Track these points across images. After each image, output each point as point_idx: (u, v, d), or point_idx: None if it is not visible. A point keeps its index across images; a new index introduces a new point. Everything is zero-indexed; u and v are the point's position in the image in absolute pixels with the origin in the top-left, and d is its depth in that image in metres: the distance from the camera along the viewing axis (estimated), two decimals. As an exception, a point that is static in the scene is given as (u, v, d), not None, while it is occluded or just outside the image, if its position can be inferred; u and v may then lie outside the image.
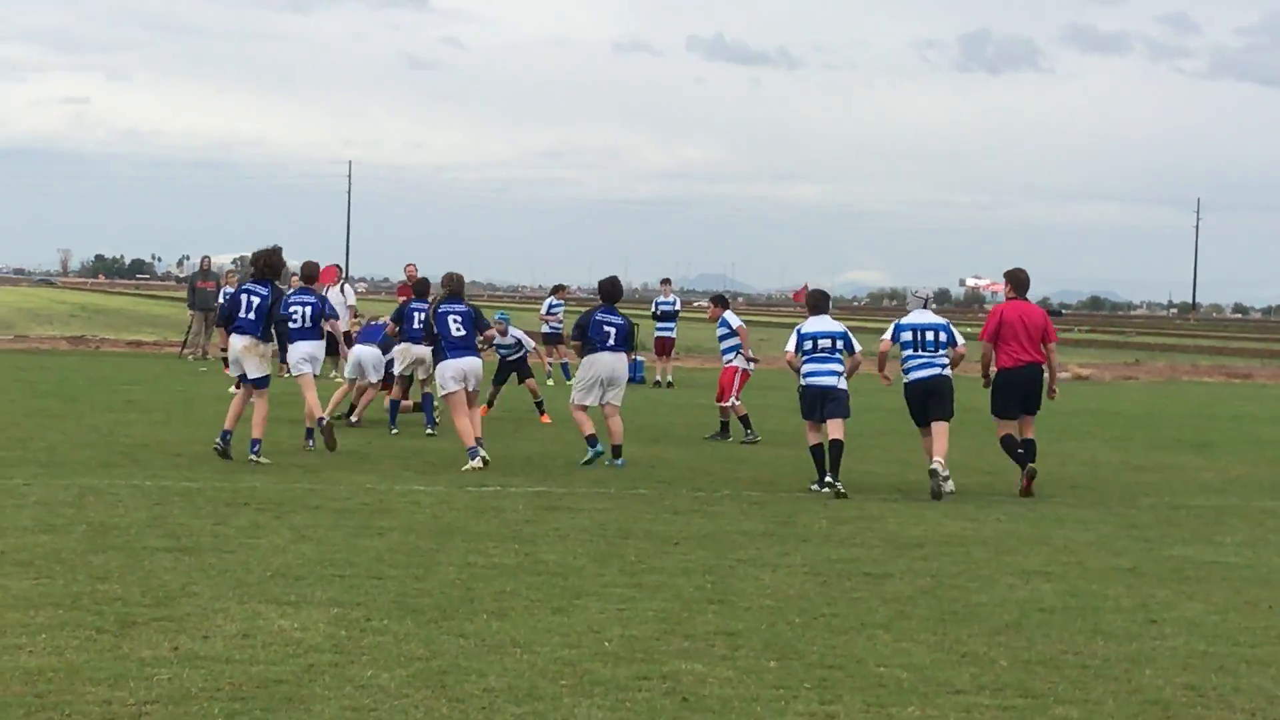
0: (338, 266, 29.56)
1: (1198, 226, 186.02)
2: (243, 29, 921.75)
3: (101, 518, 12.98)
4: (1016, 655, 9.31)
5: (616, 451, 18.59)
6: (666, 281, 36.53)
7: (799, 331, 17.36)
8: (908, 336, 17.37)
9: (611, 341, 18.72)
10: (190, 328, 37.56)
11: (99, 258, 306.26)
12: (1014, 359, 17.40)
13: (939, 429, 16.98)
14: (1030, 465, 17.12)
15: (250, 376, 17.71)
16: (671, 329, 34.49)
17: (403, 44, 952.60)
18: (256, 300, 17.75)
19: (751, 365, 22.90)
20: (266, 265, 17.96)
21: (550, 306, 35.27)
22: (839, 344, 17.26)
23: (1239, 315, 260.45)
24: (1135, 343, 74.64)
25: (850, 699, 8.23)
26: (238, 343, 17.77)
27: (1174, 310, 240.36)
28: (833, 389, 17.01)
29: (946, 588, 11.36)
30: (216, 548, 11.76)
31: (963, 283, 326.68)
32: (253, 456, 17.27)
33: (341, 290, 32.03)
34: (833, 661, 8.99)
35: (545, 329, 34.77)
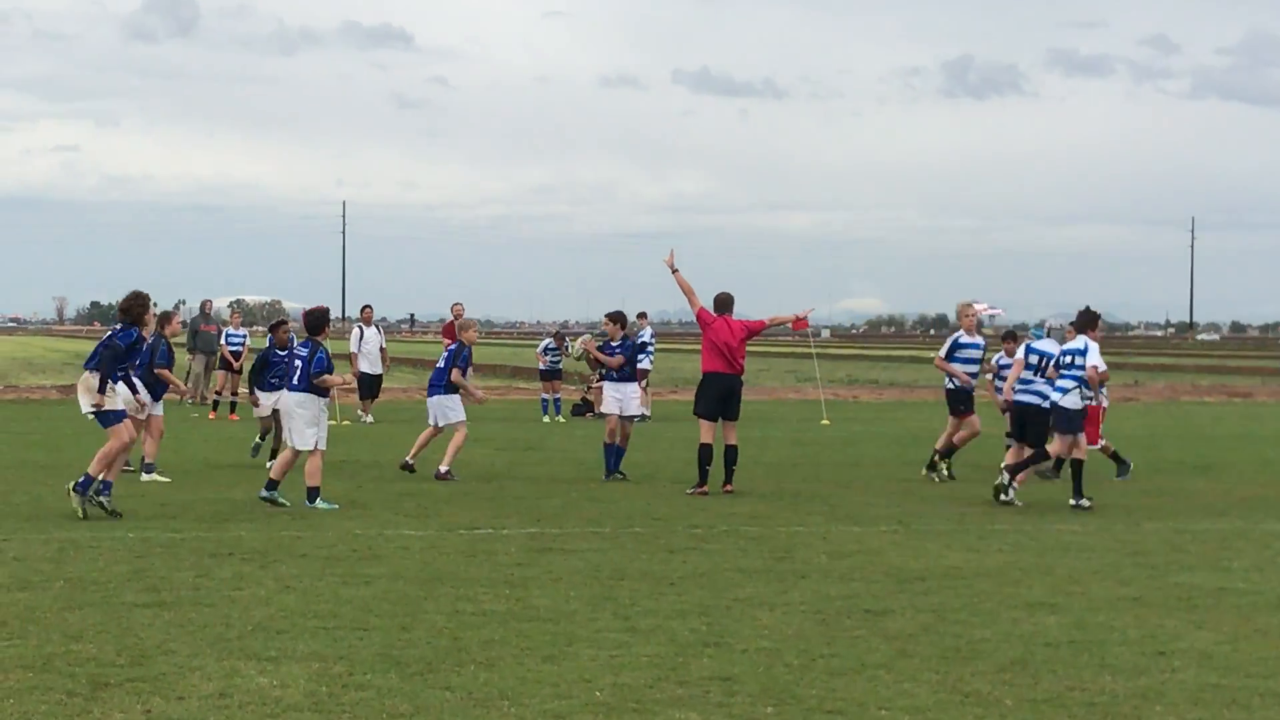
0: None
1: (1193, 245, 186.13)
2: (230, 73, 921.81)
3: (80, 572, 12.67)
4: (1022, 694, 9.00)
5: (310, 495, 17.39)
6: (642, 315, 36.81)
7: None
8: (1033, 360, 19.28)
9: (294, 379, 17.69)
10: (190, 371, 37.27)
11: (95, 304, 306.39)
12: (715, 367, 19.42)
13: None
14: (726, 484, 19.18)
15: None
16: (642, 361, 34.81)
17: (390, 84, 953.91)
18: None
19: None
20: (124, 312, 17.11)
21: (546, 347, 35.42)
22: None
23: (1234, 335, 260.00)
24: (1134, 363, 74.36)
25: (850, 746, 7.92)
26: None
27: (1172, 330, 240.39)
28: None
29: (949, 623, 11.04)
30: (197, 601, 11.44)
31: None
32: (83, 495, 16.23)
33: (378, 330, 33.07)
34: (832, 705, 8.68)
35: (542, 366, 35.15)
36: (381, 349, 33.28)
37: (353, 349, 33.09)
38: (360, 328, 33.49)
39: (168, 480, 19.81)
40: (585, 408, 35.18)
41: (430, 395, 21.25)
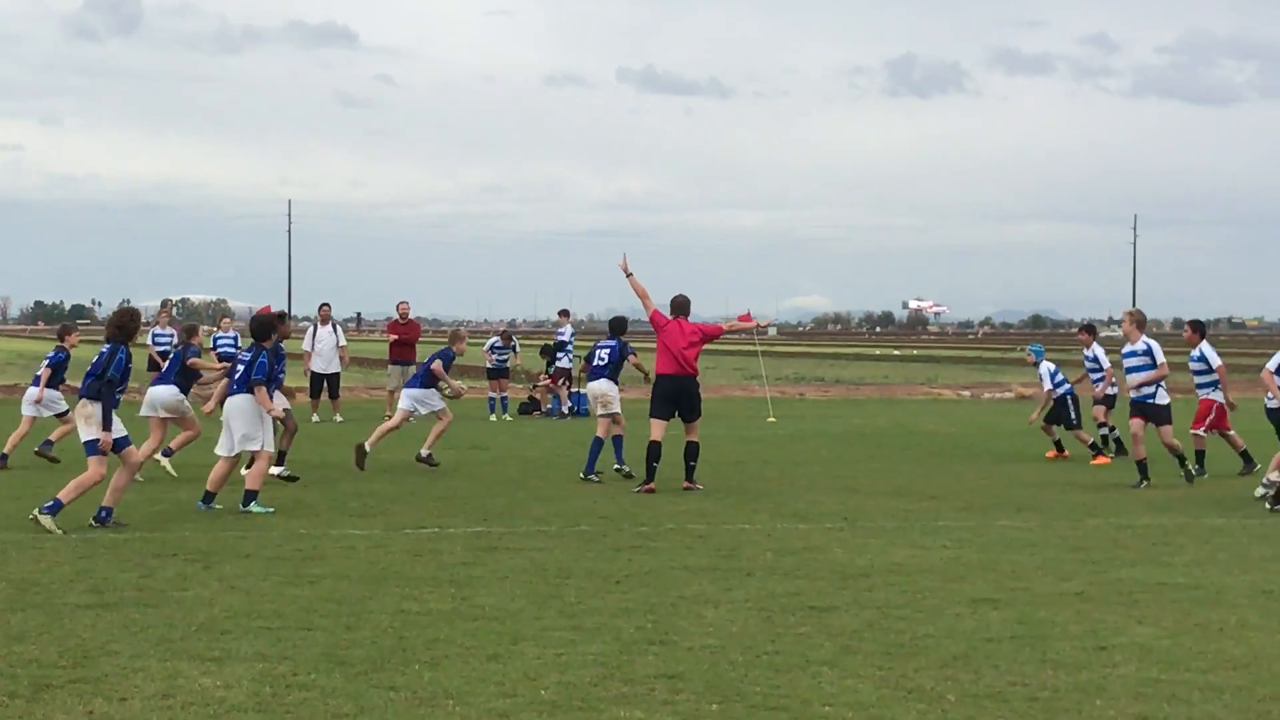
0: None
1: (1135, 243, 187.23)
2: (175, 71, 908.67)
3: (23, 573, 12.59)
4: (965, 689, 9.06)
5: (246, 498, 16.95)
6: (564, 313, 37.32)
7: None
8: None
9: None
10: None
11: (38, 304, 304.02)
12: (666, 369, 19.61)
13: None
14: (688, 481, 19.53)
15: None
16: (561, 360, 35.11)
17: (335, 83, 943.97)
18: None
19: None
20: (119, 329, 15.82)
21: (493, 345, 35.37)
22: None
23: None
24: (1079, 360, 74.62)
25: (794, 742, 7.95)
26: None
27: (1115, 326, 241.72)
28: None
29: (893, 619, 11.10)
30: (141, 602, 11.39)
31: (905, 305, 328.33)
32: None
33: (333, 330, 32.95)
34: (776, 703, 8.72)
35: (489, 364, 35.16)
36: (341, 347, 33.14)
37: (305, 347, 33.01)
38: (316, 326, 33.37)
39: (174, 475, 20.03)
40: (532, 406, 35.18)
41: (408, 388, 22.91)
